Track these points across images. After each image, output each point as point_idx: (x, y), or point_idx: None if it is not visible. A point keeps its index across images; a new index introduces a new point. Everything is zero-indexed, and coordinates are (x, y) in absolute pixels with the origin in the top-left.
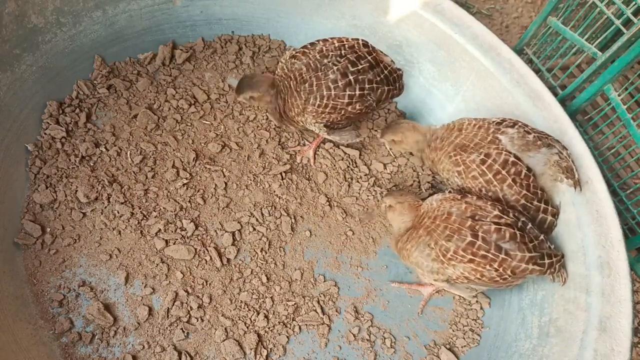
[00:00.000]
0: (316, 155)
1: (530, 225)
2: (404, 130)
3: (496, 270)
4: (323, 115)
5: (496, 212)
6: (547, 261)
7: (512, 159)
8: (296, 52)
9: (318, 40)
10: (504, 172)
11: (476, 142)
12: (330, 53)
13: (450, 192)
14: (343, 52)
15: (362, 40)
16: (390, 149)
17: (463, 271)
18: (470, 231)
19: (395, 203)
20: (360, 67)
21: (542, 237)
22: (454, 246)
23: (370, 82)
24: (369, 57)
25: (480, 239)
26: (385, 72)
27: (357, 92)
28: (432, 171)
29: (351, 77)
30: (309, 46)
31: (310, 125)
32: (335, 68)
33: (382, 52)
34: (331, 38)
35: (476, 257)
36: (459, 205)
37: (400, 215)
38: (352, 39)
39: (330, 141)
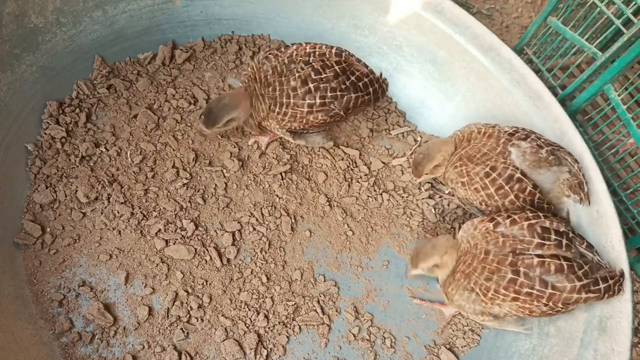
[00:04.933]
0: (268, 146)
1: (574, 235)
2: (440, 148)
3: (545, 304)
4: (284, 123)
5: (537, 241)
6: (602, 286)
7: (517, 175)
8: (268, 53)
9: (293, 44)
10: (507, 187)
11: (484, 153)
12: (299, 58)
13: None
14: (311, 59)
15: (337, 49)
16: (430, 178)
17: (510, 309)
18: (510, 268)
19: (440, 258)
20: (323, 75)
21: (594, 257)
22: (494, 285)
23: (334, 90)
24: (337, 67)
25: (522, 274)
26: (352, 78)
27: (318, 101)
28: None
29: (311, 85)
30: (283, 49)
31: (276, 131)
32: (297, 75)
33: (359, 61)
34: (306, 43)
35: (520, 295)
36: (496, 239)
37: (450, 263)
38: (326, 47)
39: (331, 140)
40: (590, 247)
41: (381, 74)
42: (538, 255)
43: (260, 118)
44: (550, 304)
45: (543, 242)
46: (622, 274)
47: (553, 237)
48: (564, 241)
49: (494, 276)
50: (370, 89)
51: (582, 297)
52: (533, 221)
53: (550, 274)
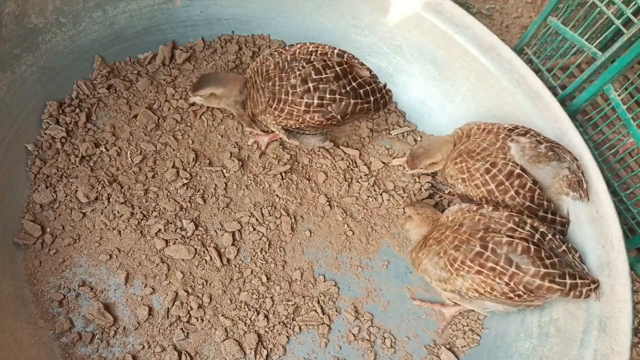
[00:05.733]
0: (268, 146)
1: (552, 238)
2: (440, 147)
3: (507, 284)
4: (280, 119)
5: (510, 225)
6: (569, 281)
7: (517, 170)
8: (274, 50)
9: (297, 43)
10: (507, 183)
11: (484, 148)
12: (301, 57)
13: (460, 201)
14: (312, 57)
15: (339, 50)
16: (425, 174)
17: (472, 283)
18: (479, 242)
19: (415, 214)
20: (323, 76)
21: (573, 261)
22: (461, 255)
23: (333, 92)
24: (337, 68)
25: (490, 250)
26: (354, 84)
27: (316, 101)
28: (440, 178)
29: (311, 85)
30: (287, 47)
31: (271, 126)
32: (297, 73)
33: (362, 65)
34: (310, 43)
35: (484, 268)
36: (473, 216)
37: (418, 227)
38: (329, 47)
39: (331, 140)
40: (570, 250)
41: (385, 85)
42: (508, 236)
43: (257, 111)
44: (512, 284)
45: (516, 228)
46: (594, 282)
47: (527, 228)
48: (537, 235)
49: (462, 246)
50: (371, 98)
51: (544, 285)
52: (514, 214)
53: (516, 253)
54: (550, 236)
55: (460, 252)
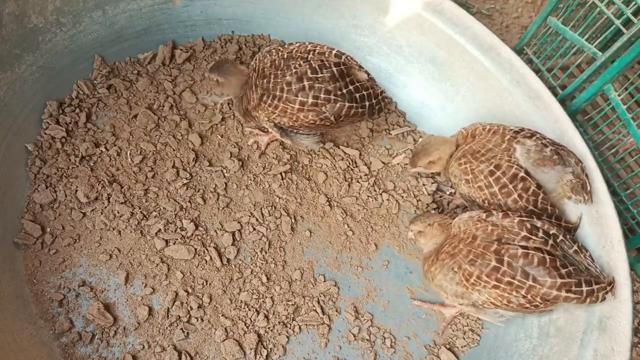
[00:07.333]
0: (268, 146)
1: (563, 239)
2: (439, 146)
3: (524, 297)
4: (274, 116)
5: (524, 234)
6: (585, 289)
7: (521, 174)
8: (272, 48)
9: (296, 42)
10: (510, 186)
11: (489, 149)
12: (298, 55)
13: (471, 208)
14: (310, 56)
15: (337, 51)
16: (425, 175)
17: (489, 297)
18: (495, 255)
19: (425, 227)
20: (319, 75)
21: (585, 261)
22: (477, 271)
23: (328, 92)
24: (334, 69)
25: (506, 264)
26: (351, 87)
27: (310, 100)
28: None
29: (306, 83)
30: (286, 45)
31: (264, 123)
32: (294, 71)
33: (360, 68)
34: (309, 42)
35: (501, 283)
36: (485, 227)
37: (432, 238)
38: (327, 47)
39: (331, 140)
40: (581, 250)
41: (382, 91)
42: (522, 247)
43: (250, 107)
44: (529, 296)
45: (529, 236)
46: (610, 283)
47: (540, 234)
48: (550, 241)
49: (477, 261)
50: (367, 103)
51: (561, 295)
52: (525, 219)
53: (532, 266)
54: (561, 237)
55: (476, 267)
